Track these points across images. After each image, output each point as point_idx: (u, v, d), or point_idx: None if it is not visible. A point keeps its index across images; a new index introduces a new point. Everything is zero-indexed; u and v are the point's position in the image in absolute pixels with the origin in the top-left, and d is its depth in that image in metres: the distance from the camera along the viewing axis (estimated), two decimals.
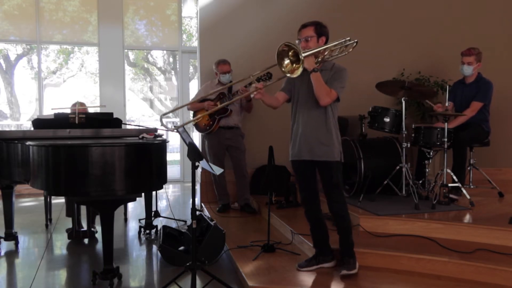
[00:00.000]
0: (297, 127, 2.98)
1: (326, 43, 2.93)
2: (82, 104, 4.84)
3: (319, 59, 2.87)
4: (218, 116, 4.73)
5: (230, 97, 4.66)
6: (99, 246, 3.96)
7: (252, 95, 2.89)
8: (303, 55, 2.63)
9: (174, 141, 8.40)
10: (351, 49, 2.98)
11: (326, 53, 2.90)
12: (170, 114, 11.23)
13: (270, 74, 4.31)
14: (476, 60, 4.35)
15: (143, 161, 3.05)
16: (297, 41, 2.93)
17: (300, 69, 2.64)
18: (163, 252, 3.51)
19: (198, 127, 4.90)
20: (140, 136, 3.58)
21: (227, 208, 4.95)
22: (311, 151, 2.91)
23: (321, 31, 2.91)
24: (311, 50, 2.78)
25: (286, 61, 2.72)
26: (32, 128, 3.92)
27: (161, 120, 2.98)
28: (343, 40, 2.91)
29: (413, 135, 4.24)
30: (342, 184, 3.02)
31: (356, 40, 2.94)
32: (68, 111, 4.08)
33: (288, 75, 2.72)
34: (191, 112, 5.08)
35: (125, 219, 4.91)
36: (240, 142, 4.88)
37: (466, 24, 5.84)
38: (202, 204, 5.24)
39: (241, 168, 4.87)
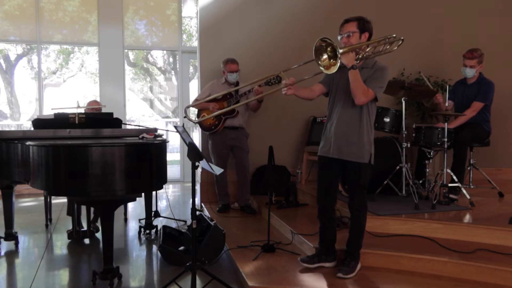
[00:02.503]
0: (331, 123, 2.94)
1: (369, 39, 2.84)
2: (97, 102, 4.87)
3: (360, 56, 2.79)
4: (224, 116, 4.72)
5: (237, 98, 4.64)
6: (99, 246, 3.96)
7: (283, 92, 2.82)
8: (340, 51, 2.56)
9: (174, 141, 8.40)
10: (396, 47, 2.89)
11: (368, 50, 2.81)
12: (170, 114, 11.26)
13: (279, 78, 4.26)
14: (478, 63, 4.34)
15: (143, 161, 3.05)
16: (339, 37, 2.85)
17: (336, 66, 2.57)
18: (163, 252, 3.51)
19: (202, 126, 4.88)
20: (140, 136, 3.58)
21: (227, 208, 4.95)
22: (340, 150, 2.86)
23: (364, 27, 2.82)
24: (348, 47, 2.70)
25: (324, 56, 2.65)
26: (32, 128, 3.92)
27: (185, 112, 3.15)
28: (387, 36, 2.83)
29: (414, 135, 4.24)
30: (366, 187, 2.97)
31: (402, 38, 2.84)
32: (71, 110, 4.07)
33: (323, 69, 2.65)
34: (195, 110, 5.08)
35: (125, 219, 4.91)
36: (245, 142, 4.87)
37: (466, 24, 5.84)
38: (202, 204, 5.24)
39: (244, 169, 4.86)
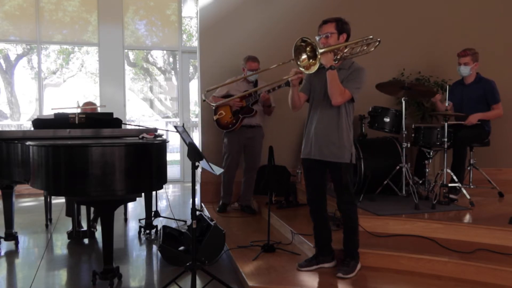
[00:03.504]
0: (310, 126, 2.97)
1: (347, 40, 2.87)
2: (91, 103, 4.87)
3: (338, 57, 2.82)
4: (242, 115, 4.71)
5: (256, 97, 4.61)
6: (99, 246, 3.96)
7: (290, 79, 2.82)
8: (320, 51, 2.59)
9: (174, 141, 8.40)
10: (373, 48, 2.93)
11: (346, 51, 2.84)
12: (171, 115, 11.26)
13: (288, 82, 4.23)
14: (472, 60, 4.35)
15: (143, 161, 3.05)
16: (317, 38, 2.88)
17: (316, 66, 2.60)
18: (163, 252, 3.51)
19: (219, 124, 4.79)
20: (140, 136, 3.58)
21: (226, 208, 4.94)
22: (321, 151, 2.89)
23: (342, 28, 2.86)
24: (328, 47, 2.74)
25: (303, 56, 2.68)
26: (32, 128, 3.92)
27: (204, 94, 2.91)
28: (364, 38, 2.86)
29: (413, 135, 4.24)
30: (352, 185, 2.99)
31: (379, 39, 2.89)
32: (69, 111, 4.07)
33: (303, 70, 2.68)
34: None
35: (125, 219, 4.91)
36: (259, 142, 4.82)
37: (466, 24, 5.84)
38: (202, 204, 5.24)
39: (253, 170, 4.85)
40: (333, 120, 2.87)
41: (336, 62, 2.81)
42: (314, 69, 2.63)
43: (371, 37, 2.88)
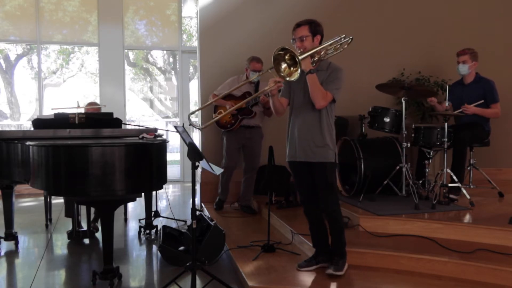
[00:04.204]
0: (293, 129, 2.98)
1: (321, 41, 2.89)
2: (95, 103, 4.88)
3: (315, 59, 2.84)
4: (241, 116, 4.71)
5: (257, 99, 4.61)
6: (99, 246, 3.96)
7: (269, 90, 2.81)
8: (300, 57, 2.60)
9: (174, 141, 8.40)
10: (346, 46, 2.94)
11: (322, 53, 2.87)
12: (171, 114, 11.26)
13: None
14: (470, 58, 4.35)
15: (143, 161, 3.05)
16: (291, 41, 2.90)
17: (298, 72, 2.62)
18: (163, 252, 3.51)
19: (218, 123, 4.80)
20: (140, 136, 3.58)
21: (222, 205, 4.94)
22: (306, 153, 2.91)
23: (315, 30, 2.86)
24: (307, 52, 2.75)
25: (284, 65, 2.70)
26: (32, 128, 3.92)
27: (189, 118, 2.92)
28: (338, 38, 2.88)
29: (413, 135, 4.24)
30: (336, 185, 3.01)
31: (351, 37, 2.91)
32: (69, 111, 4.07)
33: (287, 78, 2.69)
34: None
35: (125, 219, 4.91)
36: (258, 142, 4.83)
37: (466, 24, 5.84)
38: (202, 204, 5.24)
39: (252, 170, 4.85)
40: (315, 122, 2.88)
41: (314, 64, 2.82)
42: (296, 75, 2.64)
43: (343, 36, 2.89)
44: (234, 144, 4.78)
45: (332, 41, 2.87)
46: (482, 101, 4.27)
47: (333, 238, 3.02)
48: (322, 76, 2.86)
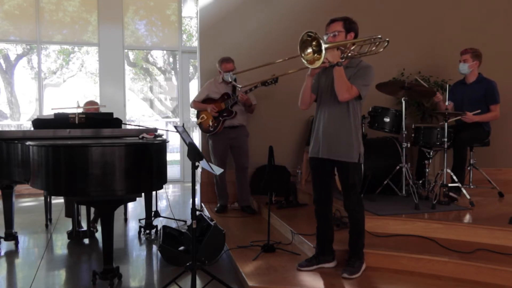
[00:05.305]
0: (318, 125, 2.96)
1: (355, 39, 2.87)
2: (94, 102, 4.87)
3: (345, 55, 2.82)
4: (223, 118, 4.73)
5: (235, 98, 4.65)
6: (99, 246, 3.96)
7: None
8: (324, 46, 2.57)
9: (174, 141, 8.40)
10: (382, 49, 2.90)
11: (353, 50, 2.84)
12: (171, 114, 11.26)
13: (276, 79, 4.26)
14: (472, 57, 4.34)
15: (143, 161, 3.04)
16: (325, 36, 2.87)
17: (320, 60, 2.58)
18: (163, 252, 3.51)
19: (202, 127, 4.89)
20: (140, 136, 3.58)
21: (225, 209, 4.94)
22: (330, 149, 2.89)
23: (350, 27, 2.86)
24: (334, 43, 2.74)
25: (309, 50, 2.67)
26: (32, 128, 3.92)
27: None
28: (372, 37, 2.85)
29: (413, 135, 4.24)
30: (359, 186, 2.97)
31: (387, 39, 2.86)
32: (69, 111, 4.07)
33: (306, 63, 2.67)
34: (195, 110, 5.09)
35: (125, 219, 4.91)
36: (244, 142, 4.85)
37: (467, 24, 5.83)
38: (202, 204, 5.24)
39: (243, 169, 4.86)
40: (341, 119, 2.86)
41: (343, 60, 2.80)
42: (318, 63, 2.61)
43: (379, 36, 2.85)
44: (221, 146, 4.79)
45: (364, 39, 2.84)
46: (479, 110, 4.27)
47: (351, 238, 3.01)
48: (350, 72, 2.85)
